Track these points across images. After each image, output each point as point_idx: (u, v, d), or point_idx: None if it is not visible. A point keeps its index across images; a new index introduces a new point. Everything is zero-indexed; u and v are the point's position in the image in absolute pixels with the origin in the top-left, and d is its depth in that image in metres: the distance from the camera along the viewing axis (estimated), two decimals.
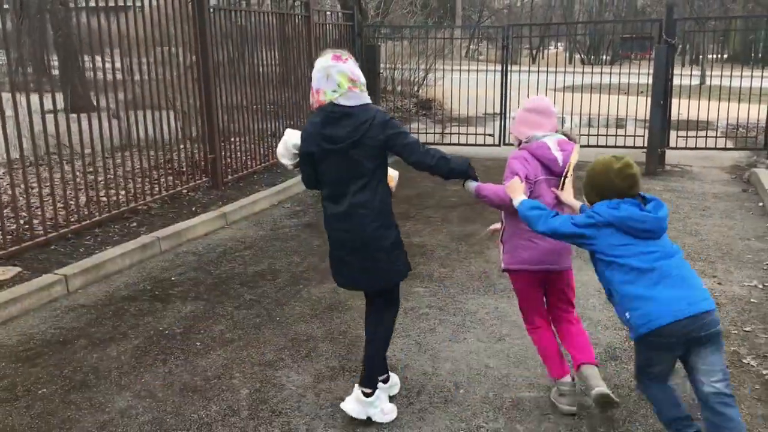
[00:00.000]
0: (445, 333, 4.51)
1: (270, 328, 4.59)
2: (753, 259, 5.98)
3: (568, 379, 3.52)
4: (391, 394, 3.67)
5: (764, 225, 7.05)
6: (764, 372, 3.95)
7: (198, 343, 4.35)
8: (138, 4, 7.02)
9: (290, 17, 10.08)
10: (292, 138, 3.46)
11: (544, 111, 3.57)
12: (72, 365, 4.07)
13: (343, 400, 3.53)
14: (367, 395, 3.41)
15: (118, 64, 6.90)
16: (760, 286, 5.30)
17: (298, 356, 4.16)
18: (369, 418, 3.42)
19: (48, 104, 6.00)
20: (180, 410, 3.56)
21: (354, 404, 3.43)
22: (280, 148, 3.51)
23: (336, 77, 3.26)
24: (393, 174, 3.55)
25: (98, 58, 6.62)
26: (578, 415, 3.48)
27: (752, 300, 5.04)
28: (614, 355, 4.17)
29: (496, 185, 3.47)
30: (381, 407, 3.46)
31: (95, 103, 6.82)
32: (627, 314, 3.01)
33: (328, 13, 12.57)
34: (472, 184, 3.50)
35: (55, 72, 7.90)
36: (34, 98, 5.94)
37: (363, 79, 3.35)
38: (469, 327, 4.60)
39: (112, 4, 6.78)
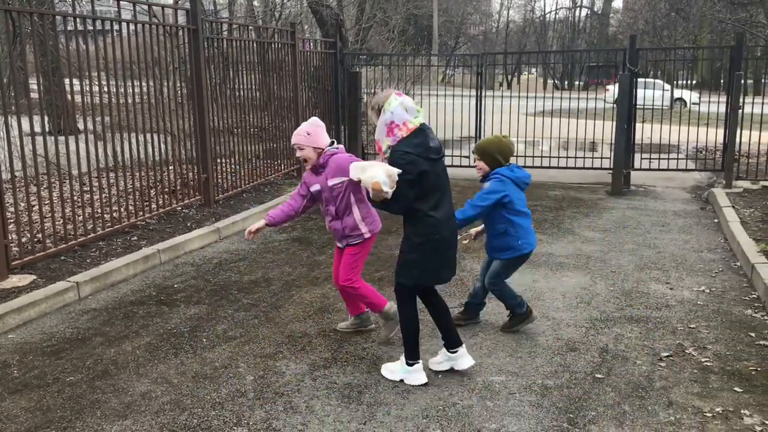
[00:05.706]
0: (425, 330, 5.01)
1: (268, 327, 5.09)
2: (704, 268, 6.59)
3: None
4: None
5: (717, 239, 7.67)
6: (702, 360, 4.53)
7: (204, 340, 4.84)
8: (132, 28, 7.44)
9: (279, 45, 10.69)
10: (389, 169, 3.75)
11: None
12: (92, 358, 4.54)
13: (337, 384, 4.10)
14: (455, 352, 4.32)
15: (111, 89, 7.29)
16: (707, 291, 5.90)
17: (294, 350, 4.67)
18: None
19: (37, 127, 6.38)
20: (194, 393, 4.05)
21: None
22: (384, 178, 3.72)
23: (412, 105, 3.94)
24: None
25: (86, 82, 6.84)
26: (539, 393, 4.03)
27: (699, 302, 5.63)
28: (573, 347, 4.73)
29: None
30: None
31: (92, 127, 7.14)
32: (519, 241, 4.74)
33: (311, 41, 13.18)
34: None
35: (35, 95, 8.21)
36: (31, 122, 6.29)
37: None
38: None
39: (108, 28, 7.18)
